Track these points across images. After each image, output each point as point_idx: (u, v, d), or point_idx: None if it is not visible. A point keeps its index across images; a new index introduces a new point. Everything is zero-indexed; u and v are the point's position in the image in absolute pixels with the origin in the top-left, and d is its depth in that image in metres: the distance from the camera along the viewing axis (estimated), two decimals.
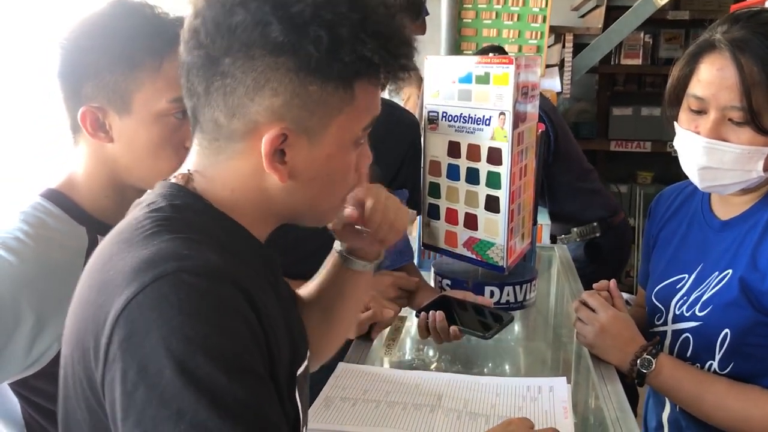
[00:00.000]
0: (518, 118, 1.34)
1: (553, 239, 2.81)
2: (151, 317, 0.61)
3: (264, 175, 0.74)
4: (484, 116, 1.35)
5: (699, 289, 1.20)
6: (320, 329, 1.01)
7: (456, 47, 3.33)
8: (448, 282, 1.51)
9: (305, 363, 0.83)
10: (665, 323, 1.26)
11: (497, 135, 1.34)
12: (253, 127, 0.72)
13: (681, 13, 3.92)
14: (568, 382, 1.17)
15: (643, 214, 4.03)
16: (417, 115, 1.92)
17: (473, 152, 1.39)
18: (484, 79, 1.33)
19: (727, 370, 1.15)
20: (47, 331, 0.96)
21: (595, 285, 1.35)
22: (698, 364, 1.19)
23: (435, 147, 1.46)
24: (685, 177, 1.22)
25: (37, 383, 1.00)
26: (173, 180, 0.78)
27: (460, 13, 3.32)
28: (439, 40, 3.31)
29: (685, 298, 1.22)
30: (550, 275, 1.98)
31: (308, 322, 1.00)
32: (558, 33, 3.68)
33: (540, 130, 1.54)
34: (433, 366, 1.47)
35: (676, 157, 1.20)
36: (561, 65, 3.57)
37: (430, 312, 1.31)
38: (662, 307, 1.27)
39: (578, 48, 3.61)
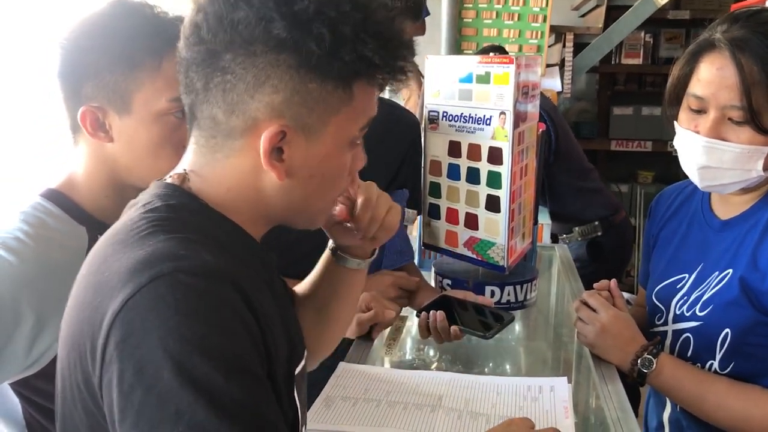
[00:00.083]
0: (519, 118, 1.33)
1: (555, 239, 2.81)
2: (147, 318, 0.61)
3: (260, 174, 0.74)
4: (484, 116, 1.35)
5: (699, 288, 1.20)
6: (316, 328, 1.01)
7: (456, 47, 3.33)
8: (449, 282, 1.51)
9: (302, 362, 0.83)
10: (666, 323, 1.26)
11: (498, 135, 1.33)
12: (252, 123, 0.72)
13: (681, 12, 3.92)
14: (569, 381, 1.17)
15: (643, 213, 4.03)
16: (417, 115, 1.92)
17: (474, 152, 1.39)
18: (484, 79, 1.33)
19: (728, 369, 1.15)
20: (47, 331, 0.96)
21: (595, 285, 1.35)
22: (699, 364, 1.19)
23: (435, 146, 1.46)
24: (686, 177, 1.22)
25: (38, 383, 1.00)
26: (168, 180, 0.77)
27: (460, 13, 3.33)
28: (440, 39, 3.32)
29: (685, 297, 1.22)
30: (551, 275, 1.98)
31: (303, 321, 1.00)
32: (558, 32, 3.69)
33: (541, 130, 1.54)
34: (433, 366, 1.47)
35: (677, 157, 1.20)
36: (561, 65, 3.57)
37: (431, 312, 1.31)
38: (662, 307, 1.27)
39: (579, 47, 3.61)
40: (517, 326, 1.63)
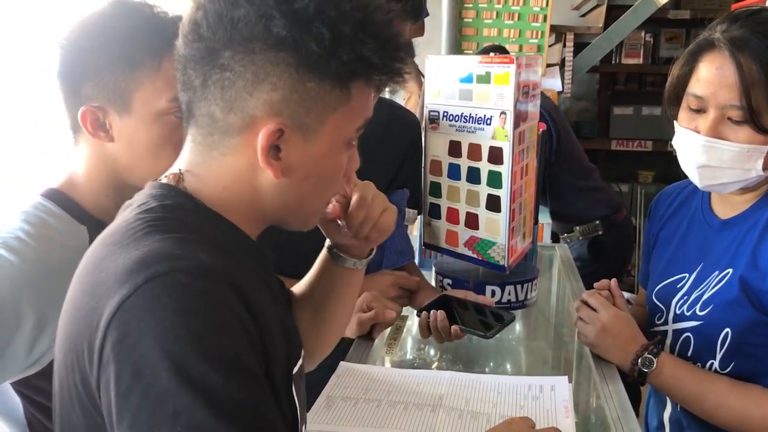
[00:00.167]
0: (519, 118, 1.33)
1: (555, 238, 2.81)
2: (144, 319, 0.61)
3: (257, 172, 0.74)
4: (485, 116, 1.35)
5: (699, 288, 1.20)
6: (314, 328, 1.01)
7: (457, 47, 3.33)
8: (449, 281, 1.51)
9: (300, 362, 0.83)
10: (666, 323, 1.26)
11: (498, 134, 1.33)
12: (250, 121, 0.72)
13: (682, 12, 3.92)
14: (570, 381, 1.17)
15: (644, 213, 4.03)
16: (418, 115, 1.92)
17: (474, 152, 1.39)
18: (485, 79, 1.33)
19: (728, 369, 1.15)
20: (48, 330, 0.96)
21: (596, 284, 1.35)
22: (699, 364, 1.19)
23: (436, 146, 1.46)
24: (686, 176, 1.22)
25: (39, 383, 1.00)
26: (164, 180, 0.77)
27: (460, 13, 3.33)
28: (440, 39, 3.32)
29: (685, 297, 1.22)
30: (551, 274, 1.98)
31: (301, 321, 1.00)
32: (559, 32, 3.69)
33: (541, 130, 1.54)
34: (434, 365, 1.47)
35: (677, 157, 1.20)
36: (562, 64, 3.57)
37: (432, 311, 1.31)
38: (663, 307, 1.27)
39: (579, 47, 3.61)
40: (517, 326, 1.63)
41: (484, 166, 1.38)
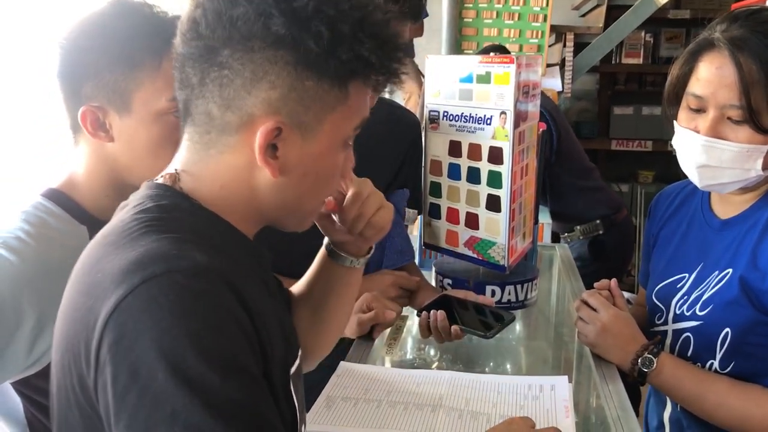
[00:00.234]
0: (519, 118, 1.33)
1: (555, 238, 2.81)
2: (140, 319, 0.61)
3: (254, 171, 0.74)
4: (485, 115, 1.35)
5: (699, 288, 1.20)
6: (312, 328, 1.01)
7: (457, 46, 3.33)
8: (450, 281, 1.51)
9: (297, 362, 0.83)
10: (666, 323, 1.26)
11: (498, 134, 1.33)
12: (247, 119, 0.72)
13: (682, 12, 3.92)
14: (570, 381, 1.17)
15: (644, 213, 4.03)
16: (418, 115, 1.92)
17: (474, 151, 1.39)
18: (485, 79, 1.33)
19: (728, 369, 1.15)
20: (48, 330, 0.96)
21: (596, 284, 1.35)
22: (699, 364, 1.19)
23: (436, 146, 1.46)
24: (686, 176, 1.22)
25: (39, 382, 1.00)
26: (160, 180, 0.77)
27: (461, 13, 3.33)
28: (440, 39, 3.32)
29: (685, 297, 1.22)
30: (552, 274, 1.98)
31: (300, 321, 1.00)
32: (559, 32, 3.69)
33: (541, 129, 1.54)
34: (434, 365, 1.47)
35: (677, 156, 1.20)
36: (562, 64, 3.57)
37: (432, 311, 1.31)
38: (663, 307, 1.27)
39: (579, 47, 3.61)
40: (517, 326, 1.63)
41: (484, 166, 1.38)
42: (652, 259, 1.38)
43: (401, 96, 3.19)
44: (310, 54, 0.70)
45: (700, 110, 1.13)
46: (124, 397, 0.59)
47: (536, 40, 3.31)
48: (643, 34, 4.05)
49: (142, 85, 1.02)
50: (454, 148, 1.42)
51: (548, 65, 3.45)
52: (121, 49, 1.01)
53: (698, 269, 1.22)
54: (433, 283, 1.58)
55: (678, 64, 1.18)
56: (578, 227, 2.66)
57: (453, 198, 1.46)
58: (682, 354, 1.22)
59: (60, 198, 1.06)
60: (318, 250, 1.02)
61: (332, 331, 1.05)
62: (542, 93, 1.87)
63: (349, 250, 0.98)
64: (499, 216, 1.38)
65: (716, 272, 1.18)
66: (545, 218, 2.70)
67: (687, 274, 1.24)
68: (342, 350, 1.31)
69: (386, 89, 0.82)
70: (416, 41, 2.82)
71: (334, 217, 0.95)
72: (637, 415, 1.18)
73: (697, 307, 1.19)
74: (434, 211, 1.51)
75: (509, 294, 1.47)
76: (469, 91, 1.36)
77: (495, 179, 1.37)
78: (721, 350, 1.15)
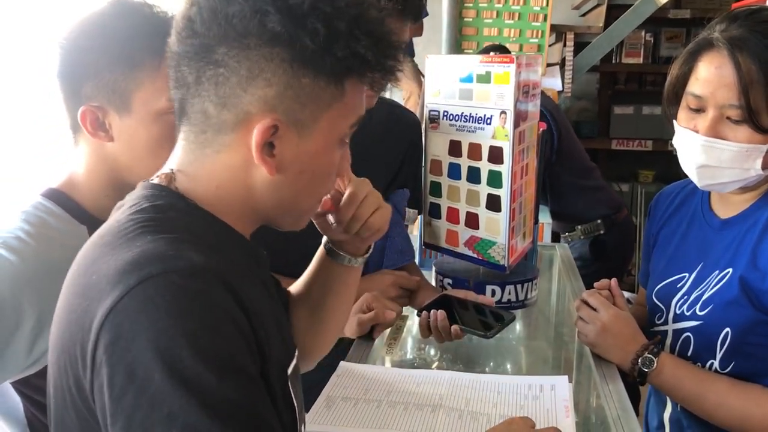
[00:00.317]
0: (519, 117, 1.33)
1: (555, 238, 2.81)
2: (137, 320, 0.60)
3: (251, 170, 0.74)
4: (485, 115, 1.35)
5: (699, 288, 1.20)
6: (311, 328, 1.00)
7: (457, 46, 3.33)
8: (450, 281, 1.51)
9: (294, 361, 0.83)
10: (666, 322, 1.26)
11: (498, 134, 1.33)
12: (244, 117, 0.72)
13: (682, 11, 3.92)
14: (570, 380, 1.17)
15: (644, 212, 4.03)
16: (418, 114, 1.92)
17: (474, 151, 1.39)
18: (485, 78, 1.33)
19: (728, 369, 1.15)
20: (48, 330, 0.95)
21: (596, 284, 1.35)
22: (699, 363, 1.19)
23: (436, 146, 1.46)
24: (687, 176, 1.22)
25: (39, 382, 1.00)
26: (155, 180, 0.77)
27: (461, 12, 3.32)
28: (440, 39, 3.31)
29: (685, 297, 1.22)
30: (552, 274, 1.98)
31: (298, 321, 0.99)
32: (559, 32, 3.69)
33: (542, 129, 1.54)
34: (434, 365, 1.47)
35: (677, 156, 1.20)
36: (562, 64, 3.57)
37: (432, 311, 1.31)
38: (663, 307, 1.27)
39: (579, 47, 3.61)
40: (517, 325, 1.63)
41: (485, 166, 1.38)
42: (652, 258, 1.38)
43: (401, 96, 3.19)
44: (306, 51, 0.70)
45: (699, 110, 1.13)
46: (120, 398, 0.59)
47: (536, 40, 3.31)
48: (643, 33, 4.05)
49: (142, 85, 1.02)
50: (454, 148, 1.42)
51: (548, 65, 3.45)
52: (121, 49, 1.01)
53: (698, 269, 1.22)
54: (433, 283, 1.58)
55: (677, 64, 1.18)
56: (579, 227, 2.66)
57: (453, 198, 1.46)
58: (682, 354, 1.22)
59: (60, 198, 1.06)
60: (315, 250, 1.01)
61: (331, 331, 1.05)
62: (542, 92, 1.87)
63: (347, 249, 0.98)
64: (499, 216, 1.38)
65: (716, 272, 1.18)
66: (545, 218, 2.70)
67: (687, 274, 1.24)
68: (342, 350, 1.31)
69: (381, 88, 0.82)
70: (416, 41, 2.82)
71: (330, 217, 0.94)
72: (637, 415, 1.18)
73: (697, 306, 1.19)
74: (434, 211, 1.51)
75: (509, 294, 1.47)
76: (469, 90, 1.36)
77: (495, 179, 1.36)
78: (721, 350, 1.15)
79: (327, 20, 0.70)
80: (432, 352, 1.50)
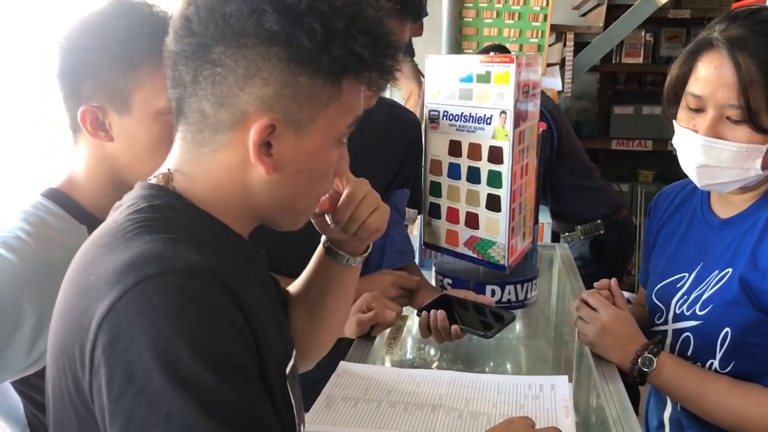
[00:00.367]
0: (519, 117, 1.33)
1: (555, 238, 2.80)
2: (135, 321, 0.60)
3: (248, 169, 0.74)
4: (485, 115, 1.35)
5: (699, 288, 1.20)
6: (309, 328, 1.00)
7: (457, 46, 3.33)
8: (450, 281, 1.51)
9: (292, 361, 0.83)
10: (666, 322, 1.26)
11: (498, 134, 1.33)
12: (241, 117, 0.72)
13: (682, 11, 3.92)
14: (570, 380, 1.17)
15: (644, 212, 4.02)
16: (418, 114, 1.92)
17: (474, 151, 1.39)
18: (485, 78, 1.33)
19: (728, 369, 1.15)
20: (48, 330, 0.96)
21: (596, 284, 1.35)
22: (699, 363, 1.19)
23: (436, 146, 1.46)
24: (687, 176, 1.22)
25: (39, 382, 0.99)
26: (153, 180, 0.77)
27: (461, 12, 3.32)
28: (440, 39, 3.31)
29: (685, 297, 1.22)
30: (552, 274, 1.98)
31: (297, 320, 0.99)
32: (559, 32, 3.69)
33: (542, 129, 1.54)
34: (434, 365, 1.47)
35: (677, 156, 1.20)
36: (562, 64, 3.57)
37: (432, 311, 1.31)
38: (662, 306, 1.27)
39: (579, 47, 3.61)
40: (517, 325, 1.63)
41: (484, 166, 1.38)
42: (652, 258, 1.38)
43: (401, 96, 3.19)
44: (304, 50, 0.70)
45: (699, 110, 1.13)
46: (119, 399, 0.59)
47: (536, 40, 3.31)
48: (643, 33, 4.05)
49: (142, 84, 1.02)
50: (454, 148, 1.42)
51: (548, 65, 3.45)
52: (121, 49, 1.00)
53: (698, 269, 1.22)
54: (433, 283, 1.58)
55: (677, 64, 1.18)
56: (579, 227, 2.66)
57: (453, 198, 1.46)
58: (682, 354, 1.22)
59: (60, 197, 1.06)
60: (314, 250, 1.01)
61: (330, 330, 1.05)
62: (542, 92, 1.87)
63: (346, 248, 0.98)
64: (499, 216, 1.38)
65: (716, 272, 1.18)
66: (545, 218, 2.70)
67: (687, 274, 1.24)
68: (342, 350, 1.31)
69: (379, 88, 0.81)
70: (416, 41, 2.82)
71: (328, 217, 0.94)
72: (637, 414, 1.18)
73: (697, 306, 1.19)
74: (434, 211, 1.51)
75: (509, 294, 1.47)
76: (469, 90, 1.36)
77: (495, 179, 1.36)
78: (721, 350, 1.15)
79: (324, 19, 0.70)
80: (432, 351, 1.50)
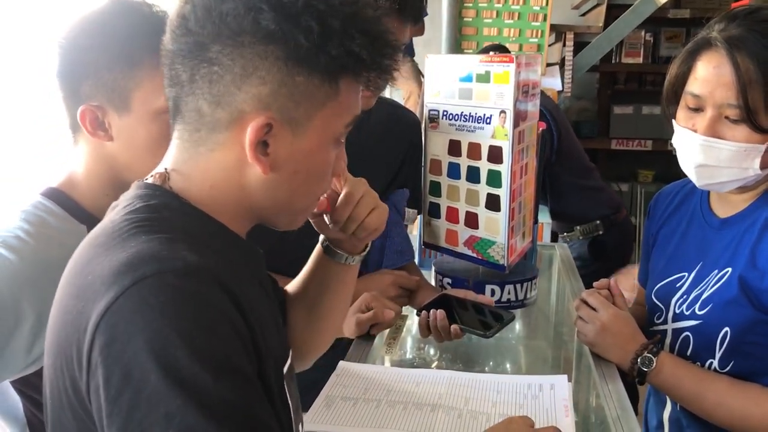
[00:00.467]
0: (519, 117, 1.33)
1: (555, 238, 2.80)
2: (132, 321, 0.60)
3: (245, 169, 0.74)
4: (484, 115, 1.35)
5: (699, 287, 1.20)
6: (308, 327, 1.00)
7: (457, 46, 3.33)
8: (449, 281, 1.51)
9: (288, 361, 0.82)
10: (665, 322, 1.26)
11: (498, 133, 1.33)
12: (238, 116, 0.72)
13: (682, 11, 3.91)
14: (569, 380, 1.17)
15: (643, 212, 4.03)
16: (418, 114, 1.92)
17: (474, 151, 1.39)
18: (484, 78, 1.33)
19: (728, 368, 1.15)
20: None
21: (595, 283, 1.35)
22: (698, 363, 1.19)
23: (436, 146, 1.46)
24: (686, 175, 1.22)
25: (39, 381, 0.99)
26: (149, 180, 0.77)
27: (460, 12, 3.32)
28: (440, 39, 3.31)
29: (684, 296, 1.22)
30: (551, 274, 1.98)
31: (295, 320, 0.99)
32: (559, 31, 3.68)
33: (542, 129, 1.54)
34: (434, 364, 1.47)
35: (677, 156, 1.20)
36: (562, 64, 3.57)
37: (431, 311, 1.31)
38: (662, 306, 1.27)
39: (579, 46, 3.61)
40: (517, 325, 1.63)
41: (484, 165, 1.38)
42: (652, 258, 1.38)
43: (401, 96, 3.20)
44: (300, 49, 0.70)
45: (698, 109, 1.13)
46: (116, 400, 0.59)
47: (536, 40, 3.31)
48: (643, 33, 4.04)
49: (142, 84, 1.02)
50: (454, 148, 1.42)
51: (548, 64, 3.44)
52: (121, 48, 1.01)
53: (697, 268, 1.22)
54: (433, 283, 1.58)
55: (676, 63, 1.18)
56: (578, 227, 2.66)
57: (453, 197, 1.46)
58: (681, 353, 1.22)
59: (59, 197, 1.06)
60: (312, 249, 1.01)
61: (328, 330, 1.05)
62: (542, 92, 1.87)
63: (344, 247, 0.98)
64: (498, 215, 1.38)
65: (715, 271, 1.18)
66: (545, 218, 2.70)
67: (686, 273, 1.24)
68: (340, 350, 1.31)
69: (377, 87, 0.81)
70: (416, 41, 2.82)
71: (326, 217, 0.94)
72: (637, 414, 1.18)
73: (697, 306, 1.19)
74: (434, 211, 1.51)
75: (509, 293, 1.47)
76: (468, 90, 1.36)
77: (494, 178, 1.37)
78: (720, 349, 1.15)
79: (321, 18, 0.70)
80: (431, 351, 1.50)
